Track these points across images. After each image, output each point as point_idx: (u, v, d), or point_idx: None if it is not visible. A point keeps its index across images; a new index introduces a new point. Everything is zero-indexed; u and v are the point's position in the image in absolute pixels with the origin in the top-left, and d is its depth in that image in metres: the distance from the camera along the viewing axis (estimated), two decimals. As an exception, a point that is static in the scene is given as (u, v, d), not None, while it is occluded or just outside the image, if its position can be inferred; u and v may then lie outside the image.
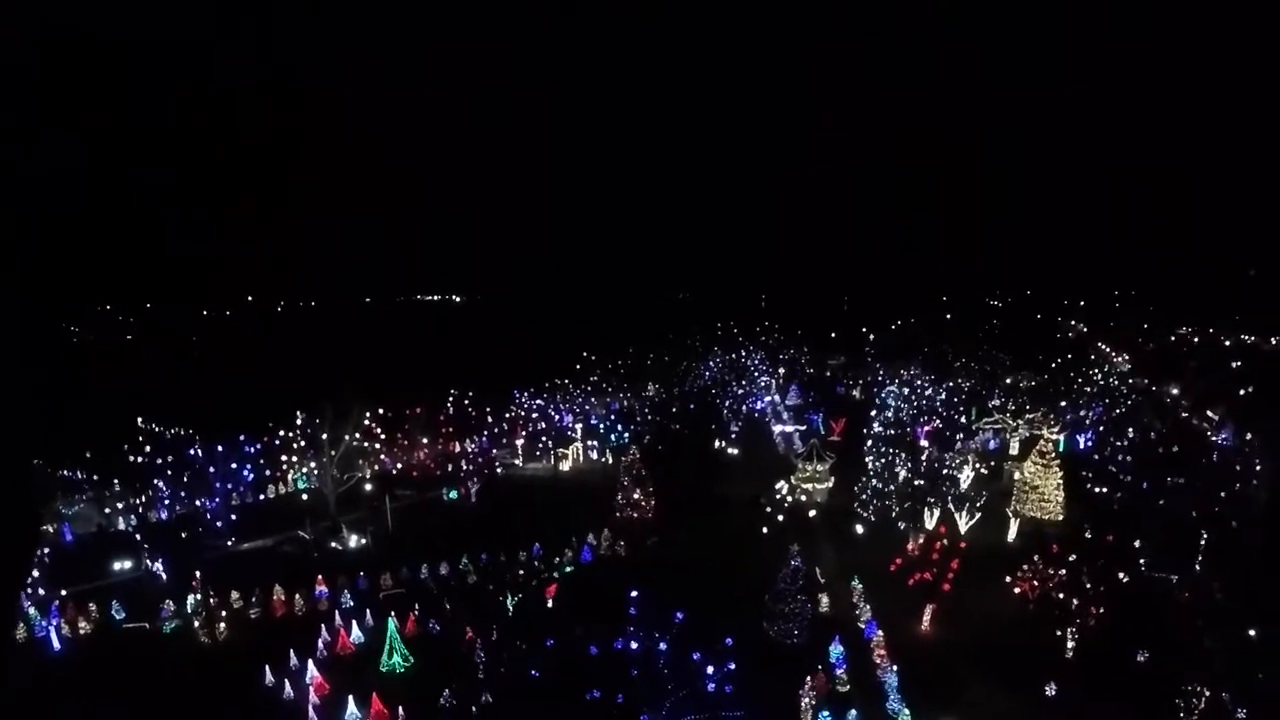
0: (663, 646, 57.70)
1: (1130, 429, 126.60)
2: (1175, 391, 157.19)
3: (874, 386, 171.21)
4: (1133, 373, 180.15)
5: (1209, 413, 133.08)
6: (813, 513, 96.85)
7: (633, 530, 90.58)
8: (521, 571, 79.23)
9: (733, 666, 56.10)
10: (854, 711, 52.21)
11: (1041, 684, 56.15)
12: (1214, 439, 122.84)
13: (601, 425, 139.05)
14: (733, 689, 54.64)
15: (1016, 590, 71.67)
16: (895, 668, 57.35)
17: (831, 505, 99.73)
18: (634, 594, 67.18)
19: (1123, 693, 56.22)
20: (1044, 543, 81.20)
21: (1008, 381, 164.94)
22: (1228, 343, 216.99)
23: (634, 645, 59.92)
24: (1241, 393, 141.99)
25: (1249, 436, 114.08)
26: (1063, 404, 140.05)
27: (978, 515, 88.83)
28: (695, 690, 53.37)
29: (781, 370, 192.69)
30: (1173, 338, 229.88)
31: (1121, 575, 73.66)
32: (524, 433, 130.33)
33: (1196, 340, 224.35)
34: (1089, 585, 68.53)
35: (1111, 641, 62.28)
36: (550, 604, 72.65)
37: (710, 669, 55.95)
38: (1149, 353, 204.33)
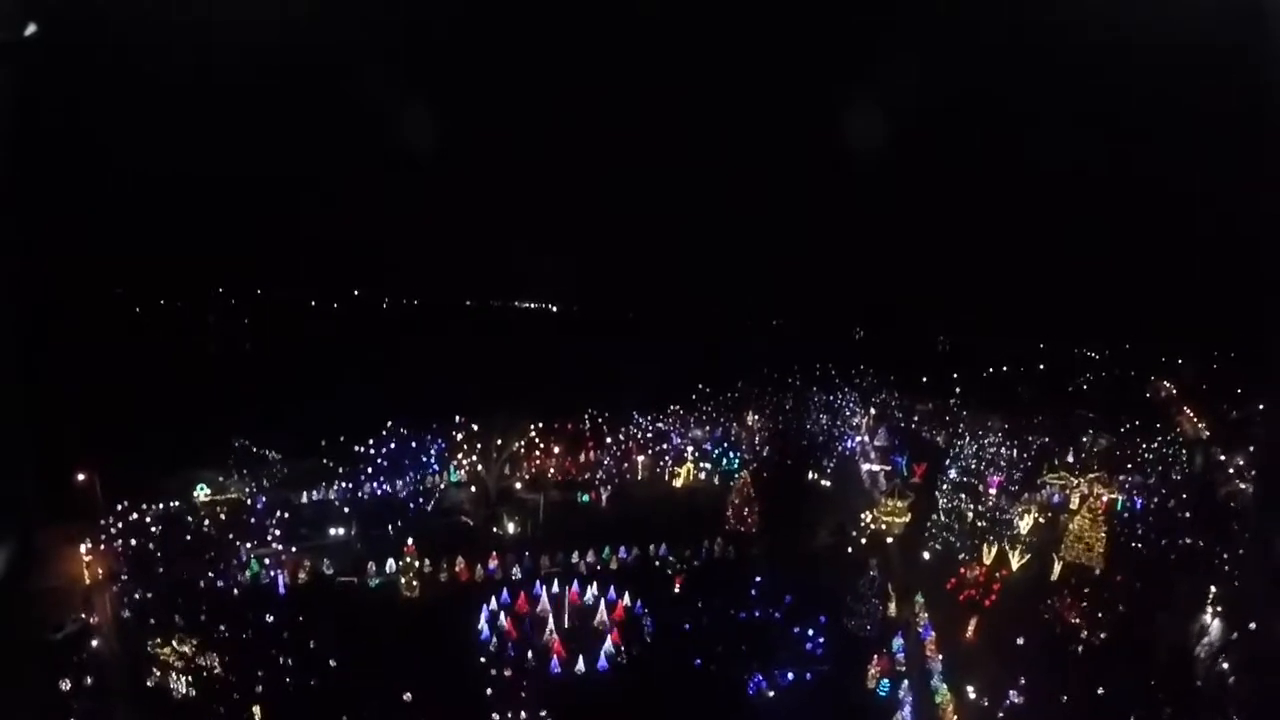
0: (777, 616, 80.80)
1: (1184, 495, 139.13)
2: (1240, 463, 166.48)
3: (954, 436, 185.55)
4: (1203, 442, 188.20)
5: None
6: (890, 539, 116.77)
7: (739, 539, 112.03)
8: (657, 563, 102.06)
9: (821, 640, 78.29)
10: (905, 682, 73.18)
11: (1050, 681, 75.39)
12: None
13: (714, 450, 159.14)
14: (821, 651, 76.93)
15: (1045, 616, 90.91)
16: (941, 658, 78.09)
17: (906, 535, 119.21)
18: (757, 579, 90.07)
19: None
20: (1078, 585, 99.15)
21: (1083, 440, 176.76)
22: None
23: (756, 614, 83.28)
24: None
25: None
26: (1128, 467, 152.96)
27: (1028, 556, 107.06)
28: (797, 652, 75.93)
29: (872, 411, 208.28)
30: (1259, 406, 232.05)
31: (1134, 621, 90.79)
32: (649, 451, 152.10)
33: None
34: (1102, 616, 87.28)
35: (1116, 666, 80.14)
36: (678, 590, 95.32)
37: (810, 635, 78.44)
38: (1230, 422, 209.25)
